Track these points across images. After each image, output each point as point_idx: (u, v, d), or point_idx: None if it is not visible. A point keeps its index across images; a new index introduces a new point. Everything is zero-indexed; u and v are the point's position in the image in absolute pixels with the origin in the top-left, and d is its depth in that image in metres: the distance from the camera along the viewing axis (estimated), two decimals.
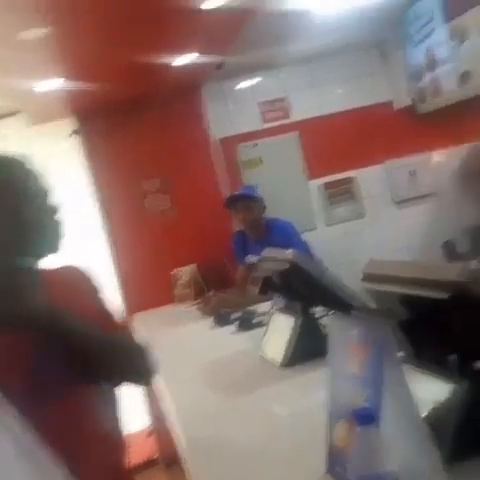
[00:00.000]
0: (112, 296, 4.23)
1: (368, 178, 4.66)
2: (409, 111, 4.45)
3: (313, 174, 4.61)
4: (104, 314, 1.38)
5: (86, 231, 4.20)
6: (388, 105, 4.68)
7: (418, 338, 1.06)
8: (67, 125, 4.18)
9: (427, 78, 4.13)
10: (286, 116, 4.62)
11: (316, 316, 1.99)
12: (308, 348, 1.84)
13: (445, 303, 0.95)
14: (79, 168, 4.24)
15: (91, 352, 1.21)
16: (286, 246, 2.11)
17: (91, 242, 4.32)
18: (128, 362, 1.32)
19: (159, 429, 3.82)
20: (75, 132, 4.19)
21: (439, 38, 3.87)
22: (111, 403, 1.35)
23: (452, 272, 0.98)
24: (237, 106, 4.57)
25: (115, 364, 1.29)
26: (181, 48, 3.31)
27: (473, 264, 3.18)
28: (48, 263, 1.37)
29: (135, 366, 1.34)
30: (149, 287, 4.11)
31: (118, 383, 1.35)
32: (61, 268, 1.40)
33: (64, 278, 1.38)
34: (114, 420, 1.36)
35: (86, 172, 4.22)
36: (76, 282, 1.40)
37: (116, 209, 4.20)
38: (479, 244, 4.05)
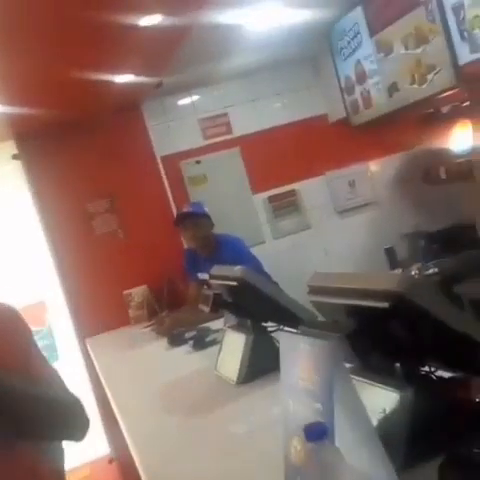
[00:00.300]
0: (65, 322, 4.11)
1: (310, 190, 4.75)
2: (344, 123, 4.58)
3: (257, 188, 4.67)
4: (32, 359, 1.26)
5: (33, 257, 4.11)
6: (323, 118, 4.81)
7: (365, 348, 1.08)
8: (8, 148, 4.09)
9: (358, 91, 4.26)
10: (228, 132, 4.66)
11: (269, 330, 2.01)
12: (262, 364, 1.85)
13: (386, 312, 0.99)
14: (23, 192, 4.15)
15: (10, 407, 1.08)
16: (236, 262, 2.12)
17: (38, 268, 4.24)
18: (55, 418, 1.19)
19: (120, 455, 3.75)
20: (15, 157, 4.10)
21: (366, 51, 4.01)
22: (51, 456, 1.26)
23: (391, 281, 1.01)
24: (178, 123, 4.59)
25: (39, 419, 1.16)
26: (120, 67, 3.31)
27: (412, 271, 3.29)
28: None
29: (64, 422, 1.22)
30: (102, 310, 4.05)
31: (47, 439, 1.23)
32: None
33: None
34: (57, 474, 1.27)
35: (30, 196, 4.14)
36: (4, 323, 1.25)
37: (63, 232, 4.12)
38: (417, 250, 4.21)
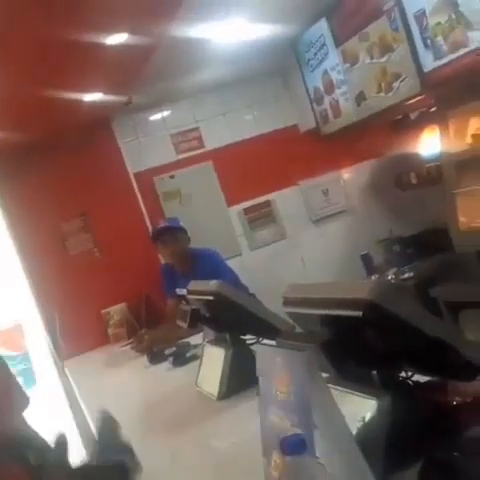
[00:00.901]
0: (42, 345, 4.03)
1: (285, 200, 4.78)
2: (314, 133, 4.63)
3: (232, 201, 4.68)
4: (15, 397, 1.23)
5: (7, 279, 4.06)
6: (295, 128, 4.84)
7: (340, 357, 1.09)
8: None
9: (327, 101, 4.32)
10: (200, 146, 4.67)
11: (248, 343, 2.00)
12: (242, 377, 1.84)
13: (360, 320, 0.99)
14: None
15: None
16: (213, 276, 2.12)
17: (13, 291, 4.18)
18: None
19: None
20: None
21: (333, 62, 4.07)
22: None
23: (363, 289, 1.02)
24: (149, 139, 4.59)
25: None
26: (88, 85, 3.30)
27: (389, 276, 3.32)
28: None
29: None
30: (81, 330, 4.00)
31: None
32: None
33: None
34: None
35: (1, 218, 4.09)
36: None
37: (37, 254, 4.07)
38: (393, 255, 4.25)
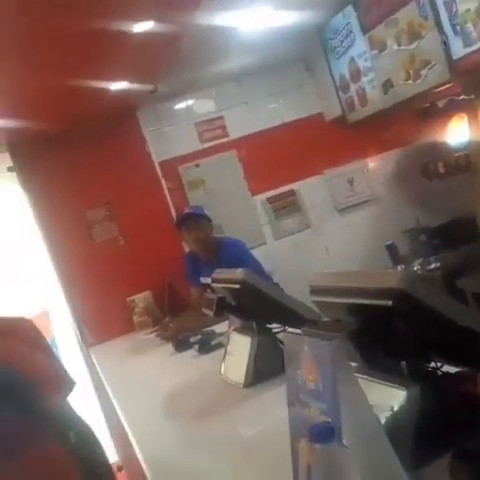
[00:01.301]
0: (68, 332, 4.09)
1: (310, 189, 4.76)
2: (340, 121, 4.59)
3: (256, 190, 4.67)
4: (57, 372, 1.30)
5: (35, 267, 4.11)
6: (320, 116, 4.81)
7: (368, 347, 1.08)
8: (3, 160, 4.09)
9: (353, 88, 4.27)
10: (224, 134, 4.67)
11: (273, 332, 2.00)
12: (268, 366, 1.85)
13: (389, 310, 0.98)
14: (21, 204, 4.15)
15: None
16: (237, 265, 2.12)
17: (41, 278, 4.24)
18: None
19: (128, 463, 3.74)
20: (10, 169, 4.10)
21: (360, 49, 4.02)
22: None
23: (393, 278, 1.01)
24: (174, 128, 4.60)
25: None
26: (114, 74, 3.32)
27: (415, 266, 3.29)
28: None
29: None
30: (107, 318, 4.05)
31: None
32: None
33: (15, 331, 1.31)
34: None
35: (28, 207, 4.14)
36: (28, 337, 1.31)
37: (63, 242, 4.12)
38: (419, 245, 4.20)
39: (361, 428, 0.93)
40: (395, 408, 1.02)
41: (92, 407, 3.89)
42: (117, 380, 2.85)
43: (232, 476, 1.34)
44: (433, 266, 3.88)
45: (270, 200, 4.69)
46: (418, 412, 1.00)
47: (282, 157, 4.61)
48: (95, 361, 3.60)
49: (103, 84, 3.38)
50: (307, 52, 4.62)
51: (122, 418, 2.12)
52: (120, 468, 4.07)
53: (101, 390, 2.91)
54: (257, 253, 3.90)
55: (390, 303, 0.97)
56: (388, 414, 1.03)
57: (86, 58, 2.88)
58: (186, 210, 3.82)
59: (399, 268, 4.05)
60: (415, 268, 3.93)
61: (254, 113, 4.72)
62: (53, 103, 3.40)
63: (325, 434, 0.83)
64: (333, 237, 4.76)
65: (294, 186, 4.74)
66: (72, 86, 3.12)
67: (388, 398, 1.05)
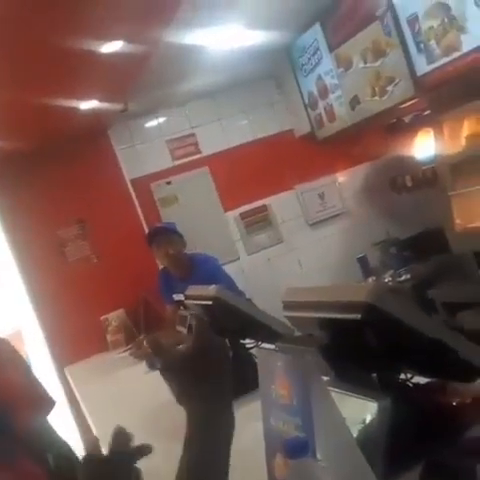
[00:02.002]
0: (42, 352, 4.01)
1: (281, 204, 4.80)
2: (309, 137, 4.65)
3: (228, 206, 4.69)
4: (32, 387, 1.29)
5: (7, 287, 4.05)
6: (290, 133, 4.87)
7: (340, 360, 1.10)
8: None
9: (321, 105, 4.34)
10: (196, 151, 4.69)
11: (247, 347, 2.01)
12: (242, 381, 1.85)
13: (359, 323, 1.00)
14: None
15: None
16: (210, 282, 2.12)
17: (13, 298, 4.17)
18: None
19: None
20: None
21: (327, 67, 4.10)
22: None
23: (361, 292, 1.03)
24: (145, 146, 4.60)
25: None
26: (83, 93, 3.31)
27: (386, 278, 3.33)
28: None
29: None
30: (80, 337, 4.00)
31: None
32: None
33: None
34: None
35: None
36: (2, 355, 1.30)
37: (35, 261, 4.07)
38: (389, 257, 4.27)
39: (334, 441, 0.94)
40: (367, 420, 1.04)
41: (68, 426, 3.83)
42: (92, 399, 2.81)
43: None
44: (404, 278, 3.94)
45: (243, 216, 4.72)
46: (389, 424, 1.01)
47: (254, 173, 4.65)
48: (70, 380, 3.55)
49: (73, 103, 3.37)
50: (277, 70, 4.69)
51: (99, 438, 2.09)
52: None
53: (77, 409, 2.87)
54: (230, 268, 3.91)
55: (359, 316, 0.99)
56: (360, 426, 1.05)
57: (55, 77, 2.88)
58: (157, 225, 3.82)
59: (370, 280, 4.11)
60: (386, 280, 3.99)
61: (226, 130, 4.76)
62: (23, 122, 3.38)
63: (299, 449, 0.84)
64: (305, 251, 4.80)
65: (266, 201, 4.78)
66: (42, 105, 3.11)
67: (360, 410, 1.06)
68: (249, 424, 1.58)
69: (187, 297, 2.21)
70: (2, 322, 4.12)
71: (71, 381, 3.50)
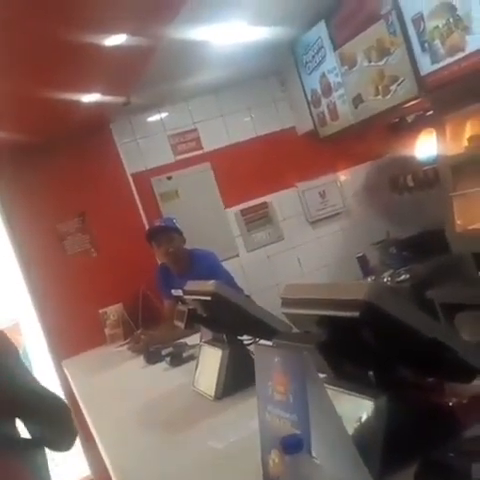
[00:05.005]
0: (40, 344, 4.03)
1: (282, 201, 4.80)
2: (312, 135, 4.64)
3: (229, 202, 4.69)
4: (17, 378, 1.31)
5: (5, 279, 4.06)
6: (292, 130, 4.86)
7: (337, 358, 1.10)
8: None
9: (324, 103, 4.33)
10: (198, 147, 4.68)
11: (244, 344, 2.01)
12: (239, 378, 1.85)
13: (357, 321, 1.00)
14: None
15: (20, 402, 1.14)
16: (209, 277, 2.12)
17: (11, 290, 4.18)
18: (56, 417, 1.27)
19: (100, 477, 3.69)
20: None
21: (330, 65, 4.09)
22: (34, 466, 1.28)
23: (360, 291, 1.03)
24: (147, 140, 4.60)
25: (43, 418, 1.22)
26: (86, 87, 3.31)
27: (385, 278, 3.33)
28: None
29: (62, 423, 1.28)
30: (78, 331, 4.00)
31: (43, 440, 1.28)
32: None
33: None
34: None
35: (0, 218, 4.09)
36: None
37: (35, 254, 4.07)
38: (389, 257, 4.27)
39: (330, 439, 0.94)
40: (363, 418, 1.04)
41: None
42: (89, 393, 2.82)
43: None
44: (403, 277, 3.93)
45: (243, 212, 4.72)
46: (385, 422, 1.02)
47: (255, 170, 4.64)
48: (67, 374, 3.55)
49: (76, 96, 3.37)
50: (281, 67, 4.68)
51: (94, 431, 2.10)
52: None
53: (73, 403, 2.87)
54: (230, 265, 3.91)
55: (357, 314, 0.99)
56: (356, 424, 1.05)
57: (58, 70, 2.87)
58: (156, 223, 3.81)
59: (369, 279, 4.10)
60: (385, 279, 3.98)
61: (228, 126, 4.75)
62: (25, 115, 3.38)
63: (295, 445, 0.84)
64: (305, 249, 4.80)
65: (267, 198, 4.77)
66: (44, 98, 3.10)
67: (356, 408, 1.06)
68: (244, 419, 1.59)
69: (186, 292, 2.21)
70: (0, 314, 4.12)
71: (68, 374, 3.51)
